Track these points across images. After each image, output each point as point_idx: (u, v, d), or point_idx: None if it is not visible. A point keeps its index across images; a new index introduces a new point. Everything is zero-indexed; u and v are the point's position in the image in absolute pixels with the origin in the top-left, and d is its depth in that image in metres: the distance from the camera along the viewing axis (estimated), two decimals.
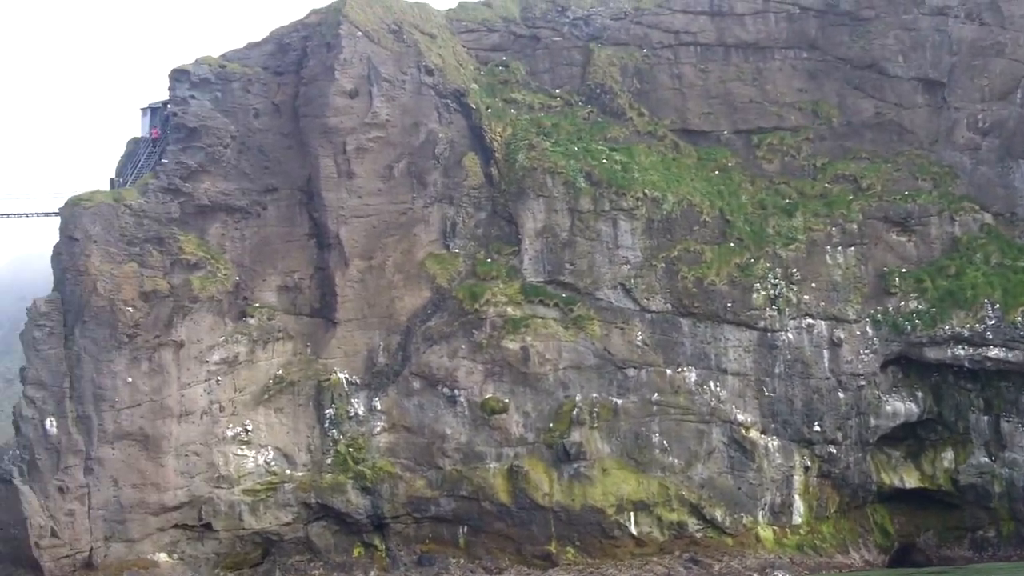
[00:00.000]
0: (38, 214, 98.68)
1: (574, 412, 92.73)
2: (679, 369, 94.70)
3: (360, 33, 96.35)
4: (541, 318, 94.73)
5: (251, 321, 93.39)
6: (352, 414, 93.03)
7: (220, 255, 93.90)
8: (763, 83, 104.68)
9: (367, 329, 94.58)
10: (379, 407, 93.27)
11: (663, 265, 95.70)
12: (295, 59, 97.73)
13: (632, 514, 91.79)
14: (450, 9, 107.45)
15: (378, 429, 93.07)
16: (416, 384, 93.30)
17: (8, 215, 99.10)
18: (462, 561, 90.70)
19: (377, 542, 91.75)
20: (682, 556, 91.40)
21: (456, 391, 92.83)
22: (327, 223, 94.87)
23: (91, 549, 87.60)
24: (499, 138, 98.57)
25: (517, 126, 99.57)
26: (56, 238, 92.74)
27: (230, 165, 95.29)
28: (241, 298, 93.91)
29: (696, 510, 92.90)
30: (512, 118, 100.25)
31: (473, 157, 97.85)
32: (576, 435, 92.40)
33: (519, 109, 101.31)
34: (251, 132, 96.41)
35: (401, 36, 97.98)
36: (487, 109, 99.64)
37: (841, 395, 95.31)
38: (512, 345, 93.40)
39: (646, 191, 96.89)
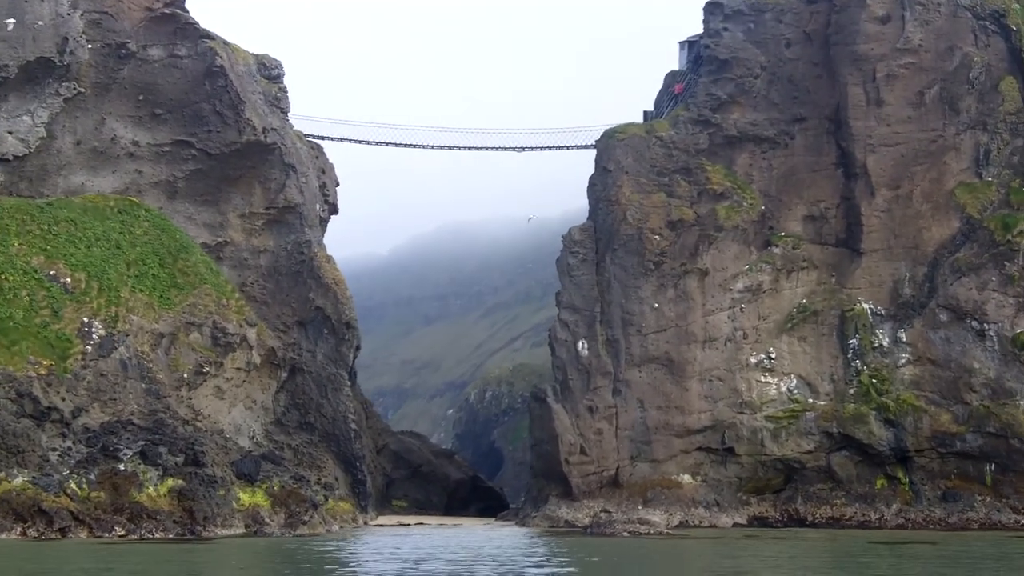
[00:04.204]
0: (578, 147, 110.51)
1: None
2: None
3: None
4: None
5: (776, 250, 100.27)
6: (876, 345, 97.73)
7: (747, 185, 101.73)
8: None
9: (892, 259, 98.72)
10: (904, 339, 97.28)
11: None
12: None
13: None
14: None
15: (903, 361, 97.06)
16: (943, 316, 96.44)
17: (549, 148, 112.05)
18: (988, 499, 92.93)
19: (900, 475, 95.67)
20: None
21: (985, 325, 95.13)
22: (854, 152, 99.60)
23: (617, 467, 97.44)
24: None
25: None
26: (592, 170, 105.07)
27: (759, 95, 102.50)
28: (766, 227, 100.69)
29: None
30: None
31: (1011, 81, 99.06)
32: None
33: None
34: (781, 62, 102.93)
35: None
36: None
37: None
38: None
39: None
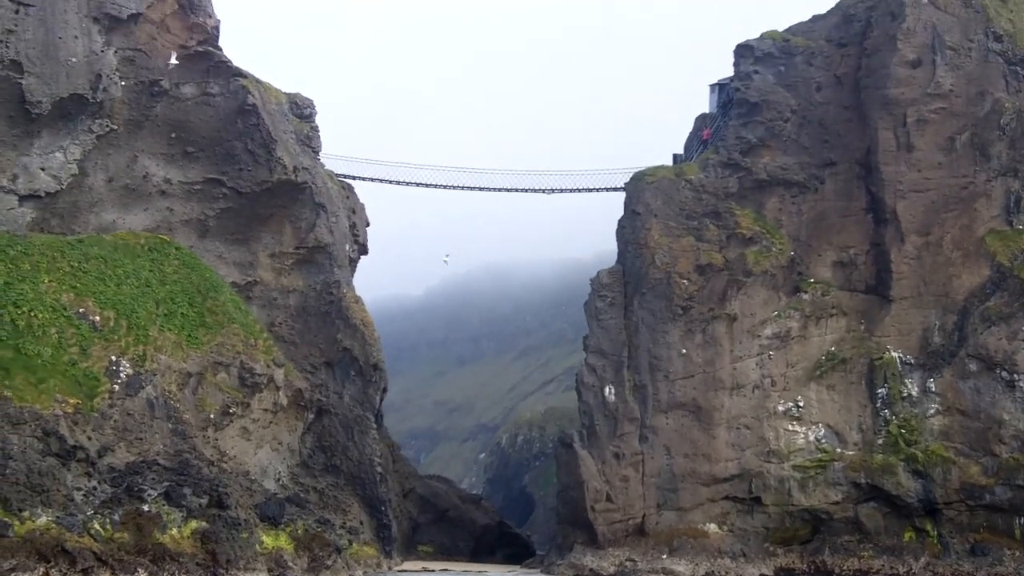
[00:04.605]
0: (607, 189, 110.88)
1: None
2: None
3: (926, 0, 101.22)
4: None
5: (804, 296, 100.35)
6: (905, 394, 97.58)
7: (776, 230, 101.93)
8: None
9: (922, 307, 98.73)
10: (933, 388, 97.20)
11: None
12: (859, 30, 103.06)
13: None
14: None
15: (932, 411, 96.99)
16: (972, 366, 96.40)
17: (578, 190, 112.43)
18: (1017, 554, 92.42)
19: (928, 527, 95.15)
20: None
21: (1015, 375, 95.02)
22: (884, 197, 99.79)
23: (643, 515, 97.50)
24: None
25: None
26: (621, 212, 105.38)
27: (790, 139, 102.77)
28: (795, 273, 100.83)
29: None
30: None
31: None
32: None
33: None
34: (811, 105, 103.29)
35: (969, 1, 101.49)
36: None
37: None
38: None
39: None
